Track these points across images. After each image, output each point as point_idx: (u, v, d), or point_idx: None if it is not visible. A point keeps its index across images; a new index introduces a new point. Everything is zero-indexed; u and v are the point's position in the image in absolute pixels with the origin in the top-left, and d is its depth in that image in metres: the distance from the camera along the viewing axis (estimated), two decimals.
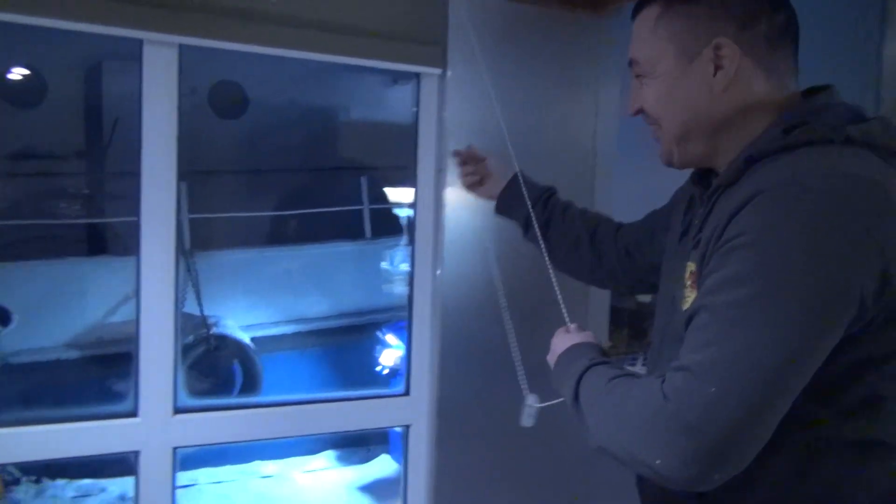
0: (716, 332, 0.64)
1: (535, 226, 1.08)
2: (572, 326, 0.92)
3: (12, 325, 3.07)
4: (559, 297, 1.00)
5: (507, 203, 1.20)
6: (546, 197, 1.14)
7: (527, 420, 0.93)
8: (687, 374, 0.63)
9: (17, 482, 2.92)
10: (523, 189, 1.13)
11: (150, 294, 1.32)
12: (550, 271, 1.02)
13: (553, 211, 1.13)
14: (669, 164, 0.81)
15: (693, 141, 0.77)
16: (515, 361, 1.03)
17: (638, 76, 0.80)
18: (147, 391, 1.30)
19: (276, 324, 3.85)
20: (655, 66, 0.77)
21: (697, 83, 0.75)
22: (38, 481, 2.99)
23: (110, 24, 1.20)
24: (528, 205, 1.10)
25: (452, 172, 1.40)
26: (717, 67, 0.73)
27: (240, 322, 3.65)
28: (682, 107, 0.76)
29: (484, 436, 1.53)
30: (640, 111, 0.81)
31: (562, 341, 0.88)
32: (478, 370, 1.51)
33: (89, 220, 3.75)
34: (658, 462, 0.64)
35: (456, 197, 1.42)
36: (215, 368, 3.45)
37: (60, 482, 3.02)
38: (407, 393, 1.51)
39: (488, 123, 1.27)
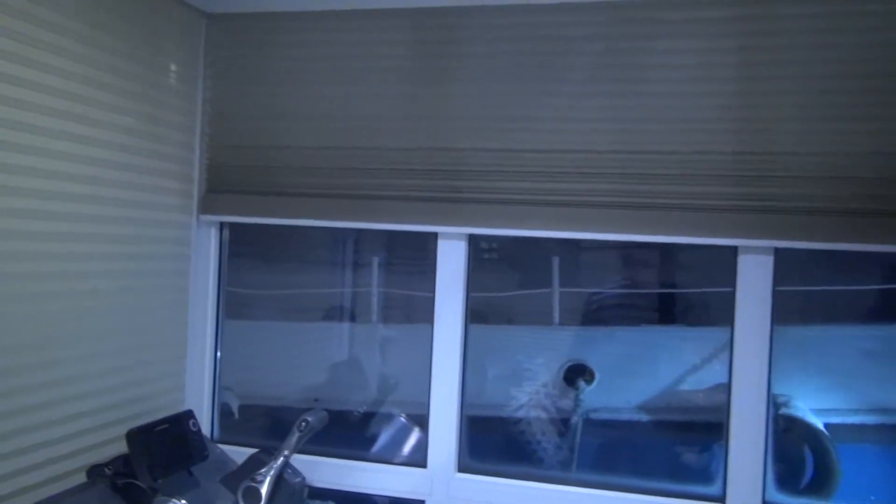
0: None
1: None
2: None
3: (594, 384, 3.45)
4: None
5: None
6: None
7: None
8: None
9: None
10: None
11: (744, 372, 1.31)
12: None
13: None
14: None
15: None
16: None
17: None
18: (736, 477, 1.28)
19: (855, 411, 3.42)
20: None
21: None
22: None
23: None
24: None
25: None
26: None
27: (811, 405, 3.36)
28: None
29: None
30: None
31: None
32: None
33: (673, 291, 3.97)
34: None
35: None
36: (784, 453, 3.23)
37: None
38: None
39: None
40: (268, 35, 2.89)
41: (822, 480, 3.22)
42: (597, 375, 3.44)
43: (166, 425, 2.21)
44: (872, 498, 3.45)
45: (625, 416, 3.61)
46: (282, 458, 2.37)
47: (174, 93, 2.82)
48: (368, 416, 3.16)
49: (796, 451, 3.29)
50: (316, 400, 3.26)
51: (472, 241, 2.90)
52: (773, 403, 3.26)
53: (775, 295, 1.35)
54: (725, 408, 1.28)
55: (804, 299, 3.75)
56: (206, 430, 3.01)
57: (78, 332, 2.35)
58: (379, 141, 2.70)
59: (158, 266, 2.77)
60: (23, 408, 2.15)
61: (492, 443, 3.16)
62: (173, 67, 2.81)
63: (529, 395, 3.39)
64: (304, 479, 2.35)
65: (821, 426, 3.41)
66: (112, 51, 2.45)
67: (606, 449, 3.42)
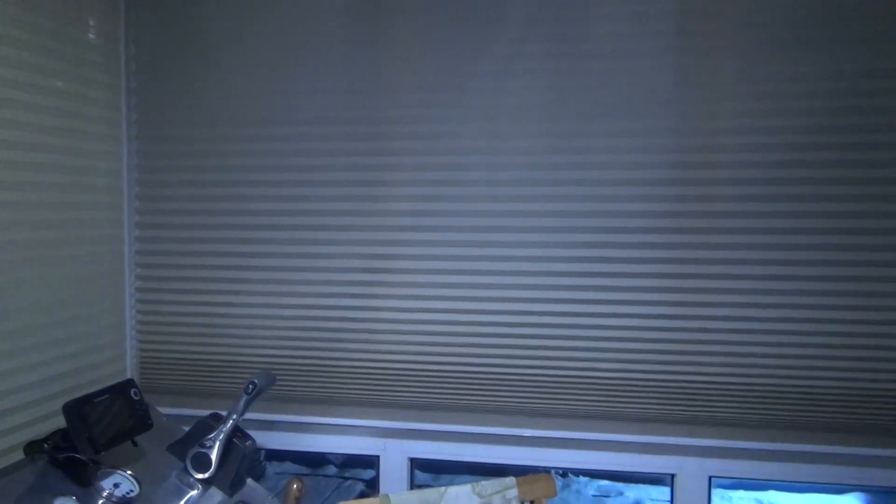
0: None
1: None
2: None
3: None
4: None
5: None
6: None
7: None
8: None
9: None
10: None
11: None
12: None
13: None
14: None
15: None
16: None
17: None
18: None
19: None
20: None
21: None
22: (564, 475, 3.30)
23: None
24: None
25: None
26: None
27: None
28: None
29: None
30: None
31: None
32: None
33: None
34: None
35: None
36: None
37: (583, 479, 3.27)
38: None
39: None
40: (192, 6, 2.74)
41: None
42: None
43: (106, 396, 2.14)
44: None
45: None
46: (230, 423, 2.33)
47: (98, 56, 2.67)
48: None
49: None
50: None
51: None
52: None
53: None
54: None
55: None
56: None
57: (9, 305, 2.25)
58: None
59: (93, 233, 2.66)
60: None
61: None
62: (93, 32, 2.66)
63: None
64: (254, 441, 2.32)
65: None
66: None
67: None
